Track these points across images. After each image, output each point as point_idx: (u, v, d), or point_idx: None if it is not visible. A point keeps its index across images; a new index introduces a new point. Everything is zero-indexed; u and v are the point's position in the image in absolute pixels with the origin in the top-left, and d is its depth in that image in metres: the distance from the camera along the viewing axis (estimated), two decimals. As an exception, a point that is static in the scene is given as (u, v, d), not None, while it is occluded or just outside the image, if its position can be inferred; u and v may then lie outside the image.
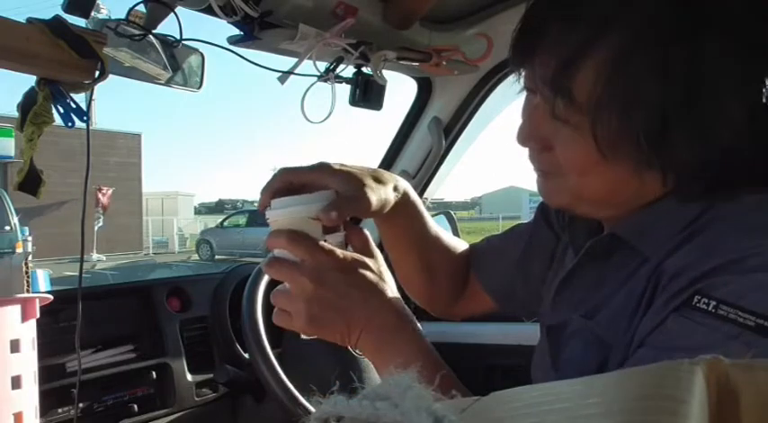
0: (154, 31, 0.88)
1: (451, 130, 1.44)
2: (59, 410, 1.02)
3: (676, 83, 0.48)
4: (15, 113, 0.78)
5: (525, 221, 0.85)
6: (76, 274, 0.86)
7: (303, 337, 0.60)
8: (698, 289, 0.46)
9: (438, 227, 0.81)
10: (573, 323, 0.59)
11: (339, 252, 0.58)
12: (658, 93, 0.48)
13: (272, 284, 1.14)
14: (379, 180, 0.66)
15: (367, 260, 0.61)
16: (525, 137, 0.57)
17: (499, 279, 0.83)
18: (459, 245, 0.86)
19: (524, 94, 0.61)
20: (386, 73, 1.14)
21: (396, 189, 0.69)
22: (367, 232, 0.64)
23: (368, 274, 0.59)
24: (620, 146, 0.50)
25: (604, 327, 0.55)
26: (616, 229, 0.58)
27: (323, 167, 0.63)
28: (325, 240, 0.58)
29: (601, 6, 0.50)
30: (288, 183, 0.62)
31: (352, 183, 0.62)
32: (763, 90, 0.50)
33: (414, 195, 0.73)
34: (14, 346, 0.78)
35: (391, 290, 0.61)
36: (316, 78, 1.04)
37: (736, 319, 0.44)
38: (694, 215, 0.52)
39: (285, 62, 1.03)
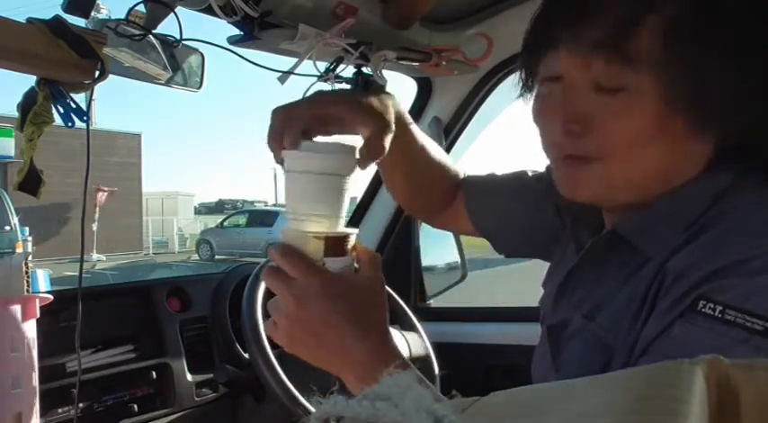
0: (154, 31, 0.88)
1: (451, 130, 1.44)
2: (59, 410, 1.02)
3: (734, 46, 0.48)
4: (15, 113, 0.78)
5: (530, 171, 0.82)
6: (76, 274, 0.86)
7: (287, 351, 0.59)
8: (702, 292, 0.46)
9: (428, 140, 0.78)
10: (573, 323, 0.59)
11: (330, 277, 0.55)
12: (721, 53, 0.48)
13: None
14: (386, 106, 0.63)
15: (359, 286, 0.57)
16: (566, 119, 0.53)
17: (492, 222, 0.83)
18: (449, 161, 0.84)
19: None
20: (386, 73, 1.14)
21: (394, 106, 0.66)
22: (378, 256, 0.60)
23: (355, 303, 0.56)
24: (682, 107, 0.49)
25: (605, 328, 0.54)
26: (618, 227, 0.57)
27: (350, 104, 0.60)
28: (323, 263, 0.55)
29: None
30: (314, 120, 0.57)
31: (379, 124, 0.60)
32: None
33: (402, 109, 0.69)
34: (14, 346, 0.78)
35: (379, 320, 0.57)
36: (316, 78, 1.04)
37: (743, 324, 0.44)
38: (698, 213, 0.52)
39: (285, 62, 1.03)
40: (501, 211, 0.82)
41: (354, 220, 1.62)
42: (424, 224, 1.62)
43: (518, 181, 0.82)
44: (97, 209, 14.46)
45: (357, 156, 0.58)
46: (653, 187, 0.55)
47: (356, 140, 0.58)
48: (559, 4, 0.55)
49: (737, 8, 0.49)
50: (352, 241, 0.58)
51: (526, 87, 0.62)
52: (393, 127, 0.62)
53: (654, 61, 0.49)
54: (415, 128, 0.74)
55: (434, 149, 0.80)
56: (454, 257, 1.63)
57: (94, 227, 13.60)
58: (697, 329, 0.45)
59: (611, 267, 0.57)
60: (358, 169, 0.58)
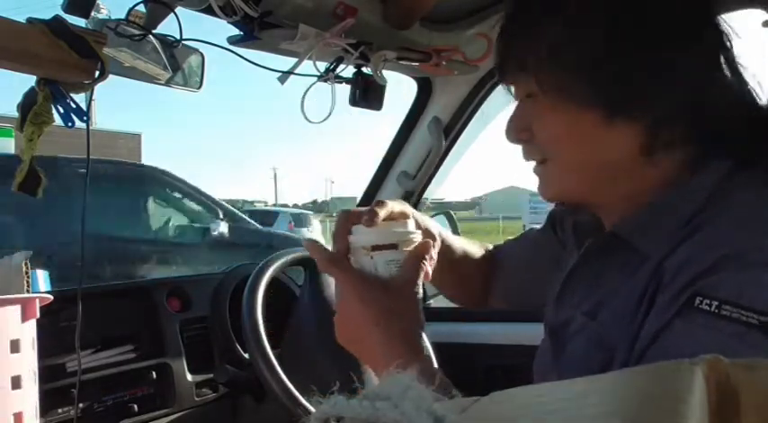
0: (154, 31, 0.88)
1: (451, 130, 1.44)
2: (59, 410, 1.02)
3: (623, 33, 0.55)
4: (15, 113, 0.78)
5: (534, 225, 0.89)
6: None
7: None
8: (698, 289, 0.46)
9: (464, 242, 0.87)
10: (575, 322, 0.60)
11: (362, 281, 0.61)
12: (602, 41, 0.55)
13: (272, 284, 1.15)
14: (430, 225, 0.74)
15: (390, 294, 0.61)
16: (516, 128, 0.63)
17: (516, 290, 0.86)
18: (480, 251, 0.89)
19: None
20: (386, 73, 1.14)
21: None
22: (421, 256, 0.65)
23: (384, 307, 0.60)
24: (585, 99, 0.56)
25: (606, 326, 0.55)
26: (616, 228, 0.58)
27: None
28: (371, 256, 0.62)
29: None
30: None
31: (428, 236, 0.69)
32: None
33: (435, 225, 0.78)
34: (14, 346, 0.78)
35: (404, 328, 0.60)
36: (316, 78, 1.04)
37: (739, 319, 0.44)
38: (693, 212, 0.53)
39: (285, 62, 1.03)
40: (528, 287, 0.84)
41: (354, 220, 1.62)
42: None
43: (533, 246, 0.86)
44: (97, 209, 14.43)
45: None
46: (603, 182, 0.59)
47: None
48: (496, 51, 0.66)
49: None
50: (407, 240, 0.64)
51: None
52: (439, 241, 0.71)
53: (548, 77, 0.57)
54: (451, 238, 0.82)
55: (469, 247, 0.87)
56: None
57: (94, 227, 13.58)
58: (694, 327, 0.46)
59: (611, 267, 0.58)
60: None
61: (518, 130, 0.62)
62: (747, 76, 0.58)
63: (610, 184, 0.59)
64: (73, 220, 2.86)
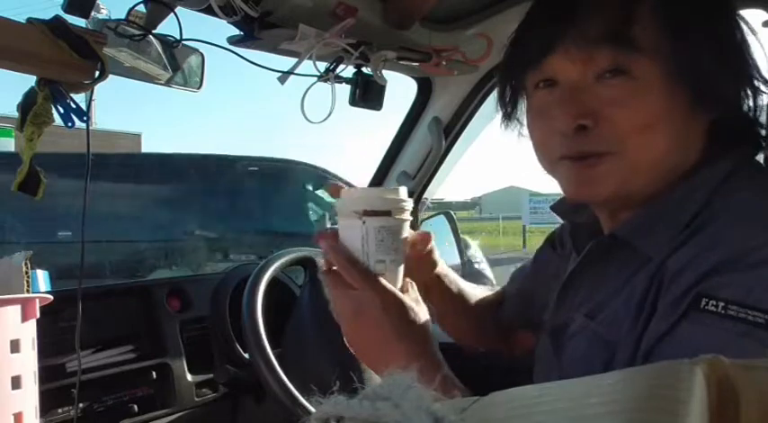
0: (154, 31, 0.88)
1: (451, 130, 1.44)
2: (59, 410, 1.01)
3: (724, 24, 0.55)
4: (15, 113, 0.78)
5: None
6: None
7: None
8: (703, 289, 0.47)
9: (474, 288, 0.89)
10: (575, 323, 0.60)
11: (383, 290, 0.58)
12: (707, 35, 0.53)
13: (272, 284, 1.14)
14: None
15: (409, 300, 0.60)
16: (577, 115, 0.54)
17: (524, 320, 0.87)
18: (490, 294, 0.92)
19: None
20: (386, 73, 1.14)
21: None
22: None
23: (405, 314, 0.59)
24: (681, 85, 0.52)
25: (606, 326, 0.55)
26: (616, 230, 0.58)
27: None
28: (363, 222, 0.58)
29: None
30: None
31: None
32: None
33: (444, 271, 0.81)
34: (14, 346, 0.78)
35: (418, 336, 0.60)
36: (316, 78, 1.04)
37: (746, 318, 0.44)
38: (694, 212, 0.52)
39: (285, 62, 1.03)
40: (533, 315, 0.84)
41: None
42: (424, 224, 1.62)
43: (533, 274, 0.87)
44: (97, 209, 14.44)
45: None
46: (664, 174, 0.55)
47: None
48: (548, 11, 0.58)
49: None
50: (399, 208, 0.60)
51: (510, 104, 0.65)
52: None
53: (651, 46, 0.52)
54: (451, 277, 0.83)
55: (480, 292, 0.89)
56: (454, 258, 1.63)
57: (94, 227, 13.58)
58: (701, 328, 0.46)
59: (612, 269, 0.58)
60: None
61: (582, 116, 0.54)
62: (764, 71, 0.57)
63: (657, 178, 0.55)
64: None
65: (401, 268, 0.61)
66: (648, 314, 0.51)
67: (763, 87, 0.56)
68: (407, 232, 0.62)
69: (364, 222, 0.58)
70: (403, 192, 0.60)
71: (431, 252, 0.74)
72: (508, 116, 0.66)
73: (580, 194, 0.58)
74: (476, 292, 0.88)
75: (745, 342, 0.44)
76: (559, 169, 0.59)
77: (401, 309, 0.59)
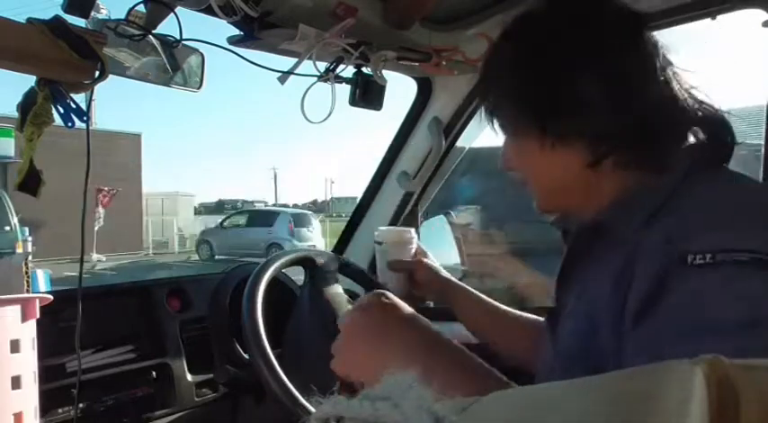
0: (154, 31, 0.88)
1: (451, 130, 1.44)
2: (59, 410, 1.01)
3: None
4: (15, 113, 0.78)
5: None
6: (76, 274, 0.86)
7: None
8: (685, 248, 0.50)
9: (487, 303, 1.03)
10: (569, 305, 0.65)
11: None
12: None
13: (273, 284, 1.14)
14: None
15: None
16: (504, 159, 0.73)
17: None
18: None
19: None
20: (386, 73, 1.14)
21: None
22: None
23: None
24: (528, 127, 0.65)
25: (590, 303, 0.59)
26: (597, 215, 0.65)
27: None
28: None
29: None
30: None
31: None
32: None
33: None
34: (14, 346, 0.78)
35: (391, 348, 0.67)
36: (316, 78, 1.04)
37: (734, 259, 0.48)
38: (658, 204, 0.58)
39: (285, 62, 1.03)
40: None
41: (354, 221, 1.62)
42: (424, 224, 1.62)
43: None
44: (100, 209, 14.44)
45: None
46: (561, 195, 0.68)
47: None
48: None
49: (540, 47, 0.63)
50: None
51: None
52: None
53: (499, 108, 0.69)
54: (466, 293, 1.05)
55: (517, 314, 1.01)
56: (454, 257, 1.63)
57: (97, 226, 13.59)
58: (693, 282, 0.49)
59: (595, 255, 0.64)
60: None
61: (504, 162, 0.73)
62: (684, 83, 0.63)
63: (568, 196, 0.68)
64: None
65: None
66: (628, 285, 0.53)
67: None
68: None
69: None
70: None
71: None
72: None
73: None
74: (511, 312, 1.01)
75: (737, 282, 0.47)
76: None
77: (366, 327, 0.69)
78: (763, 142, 1.08)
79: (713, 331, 0.45)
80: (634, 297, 0.52)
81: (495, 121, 0.70)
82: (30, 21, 0.73)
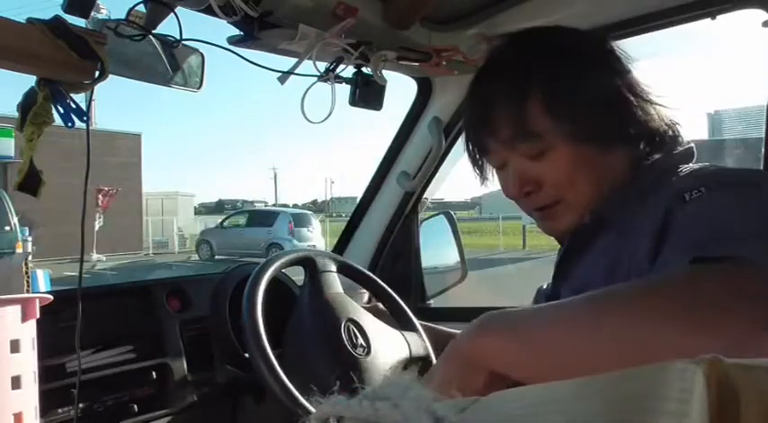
0: (154, 31, 0.88)
1: (451, 130, 1.44)
2: (59, 410, 1.01)
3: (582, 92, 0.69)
4: (15, 113, 0.78)
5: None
6: (76, 274, 0.86)
7: None
8: (681, 191, 0.56)
9: None
10: (564, 294, 0.71)
11: None
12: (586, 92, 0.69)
13: (272, 284, 1.14)
14: None
15: None
16: (521, 185, 0.73)
17: None
18: None
19: None
20: (386, 73, 1.14)
21: None
22: None
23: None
24: (580, 139, 0.69)
25: (580, 288, 0.63)
26: (592, 218, 0.70)
27: None
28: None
29: (514, 70, 0.72)
30: None
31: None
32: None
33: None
34: (14, 346, 0.78)
35: None
36: (316, 78, 1.04)
37: (730, 184, 0.56)
38: (646, 188, 0.65)
39: (285, 62, 1.03)
40: None
41: (354, 221, 1.62)
42: (424, 224, 1.62)
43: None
44: (100, 209, 14.45)
45: None
46: (601, 191, 0.70)
47: None
48: (472, 128, 0.77)
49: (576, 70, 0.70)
50: None
51: (481, 175, 0.82)
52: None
53: (548, 126, 0.69)
54: None
55: None
56: (454, 258, 1.63)
57: (97, 226, 13.59)
58: (697, 208, 0.54)
59: (591, 248, 0.70)
60: None
61: (525, 185, 0.73)
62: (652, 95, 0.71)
63: (597, 198, 0.71)
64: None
65: None
66: (628, 258, 0.60)
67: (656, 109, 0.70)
68: None
69: None
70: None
71: None
72: (480, 173, 0.81)
73: (551, 233, 0.78)
74: None
75: (738, 204, 0.53)
76: (533, 217, 0.77)
77: None
78: (762, 142, 1.08)
79: (727, 237, 0.49)
80: (643, 248, 0.56)
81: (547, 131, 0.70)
82: (30, 21, 0.73)
